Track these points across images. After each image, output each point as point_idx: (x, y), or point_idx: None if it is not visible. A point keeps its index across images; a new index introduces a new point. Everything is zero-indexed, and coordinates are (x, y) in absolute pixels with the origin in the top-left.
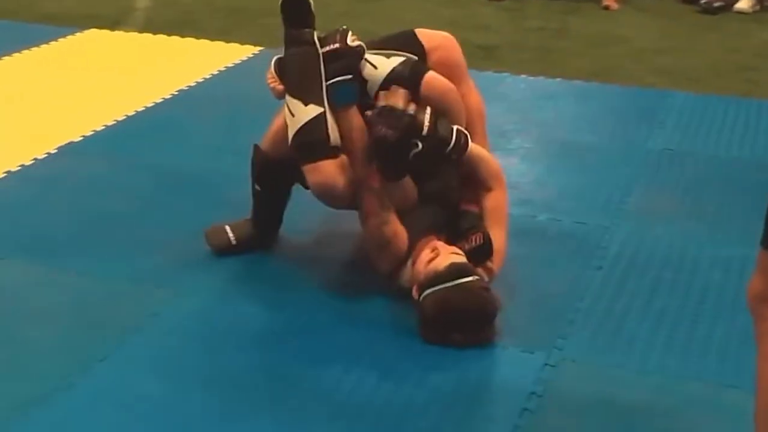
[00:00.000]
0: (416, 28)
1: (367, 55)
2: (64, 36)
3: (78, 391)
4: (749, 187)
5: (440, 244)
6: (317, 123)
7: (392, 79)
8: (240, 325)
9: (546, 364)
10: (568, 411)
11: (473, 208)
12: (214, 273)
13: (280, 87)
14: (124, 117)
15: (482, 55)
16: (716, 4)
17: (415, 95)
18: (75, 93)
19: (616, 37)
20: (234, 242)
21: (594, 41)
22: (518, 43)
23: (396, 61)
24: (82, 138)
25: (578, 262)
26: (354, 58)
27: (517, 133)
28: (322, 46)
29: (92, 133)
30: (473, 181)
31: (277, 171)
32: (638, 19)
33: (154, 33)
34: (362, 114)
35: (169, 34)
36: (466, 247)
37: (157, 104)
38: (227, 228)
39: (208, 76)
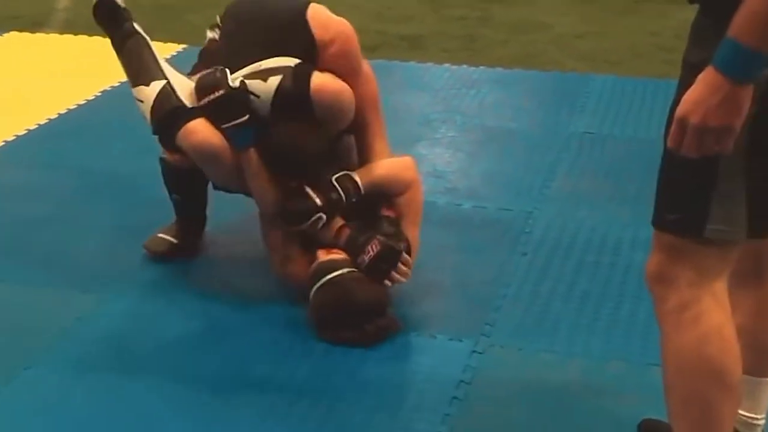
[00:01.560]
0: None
1: (248, 86)
2: None
3: (3, 398)
4: None
5: (324, 253)
6: (166, 94)
7: (279, 100)
8: (165, 329)
9: (474, 352)
10: (498, 397)
11: (391, 213)
12: (139, 276)
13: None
14: (47, 120)
15: (406, 45)
16: None
17: (307, 105)
18: None
19: (538, 23)
20: (176, 241)
21: (516, 28)
22: (441, 33)
23: (275, 81)
24: (3, 143)
25: (503, 248)
26: (241, 98)
27: (442, 123)
28: (203, 93)
29: (14, 137)
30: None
31: (188, 177)
32: (559, 5)
33: (76, 34)
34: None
35: (90, 35)
36: (365, 259)
37: (80, 106)
38: (161, 235)
39: None
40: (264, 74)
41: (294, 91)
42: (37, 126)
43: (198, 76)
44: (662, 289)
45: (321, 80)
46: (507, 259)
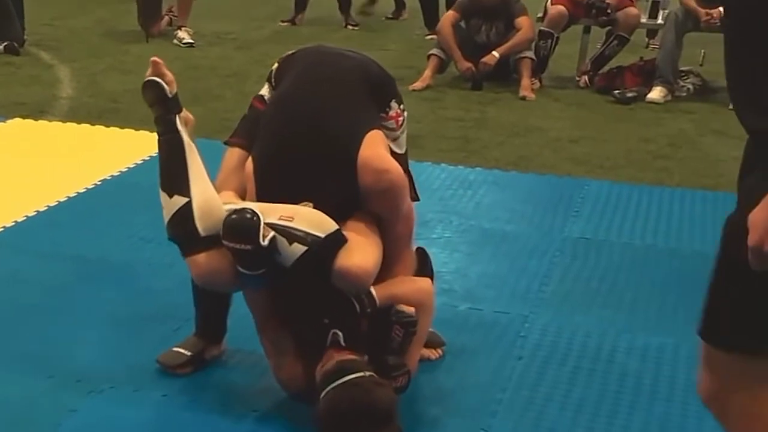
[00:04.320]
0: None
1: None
2: None
3: None
4: (664, 275)
5: (336, 352)
6: (183, 215)
7: (300, 267)
8: (159, 420)
9: None
10: None
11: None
12: (132, 366)
13: None
14: (46, 207)
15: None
16: (629, 95)
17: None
18: None
19: (533, 126)
20: (189, 354)
21: (512, 131)
22: (438, 133)
23: (299, 250)
24: (2, 229)
25: (499, 352)
26: (265, 258)
27: (438, 222)
28: (230, 238)
29: (13, 223)
30: None
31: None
32: (554, 110)
33: (78, 122)
34: None
35: (93, 123)
36: (394, 385)
37: (79, 194)
38: (177, 348)
39: (132, 165)
40: (292, 236)
41: (315, 268)
42: (35, 213)
43: (228, 207)
44: (719, 405)
45: (344, 265)
46: (502, 363)
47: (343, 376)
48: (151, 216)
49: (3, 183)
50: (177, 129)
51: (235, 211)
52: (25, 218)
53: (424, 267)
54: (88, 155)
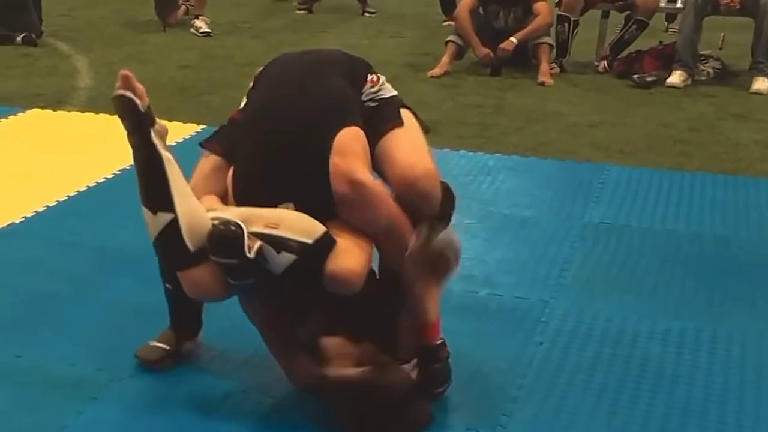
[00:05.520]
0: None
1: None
2: (6, 116)
3: None
4: (684, 260)
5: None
6: (170, 232)
7: (289, 275)
8: (178, 412)
9: None
10: None
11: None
12: None
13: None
14: (66, 197)
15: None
16: (648, 79)
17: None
18: (17, 173)
19: (552, 112)
20: (167, 348)
21: (530, 116)
22: (457, 119)
23: (288, 259)
24: (23, 219)
25: (520, 337)
26: (252, 268)
27: (458, 209)
28: (215, 253)
29: (33, 213)
30: None
31: None
32: (573, 95)
33: (97, 112)
34: None
35: (111, 113)
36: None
37: (99, 184)
38: (155, 342)
39: None
40: (280, 245)
41: (305, 274)
42: (56, 202)
43: (212, 215)
44: None
45: (334, 269)
46: (523, 348)
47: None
48: None
49: (23, 173)
50: (153, 143)
51: (218, 224)
52: (45, 208)
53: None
54: (107, 145)
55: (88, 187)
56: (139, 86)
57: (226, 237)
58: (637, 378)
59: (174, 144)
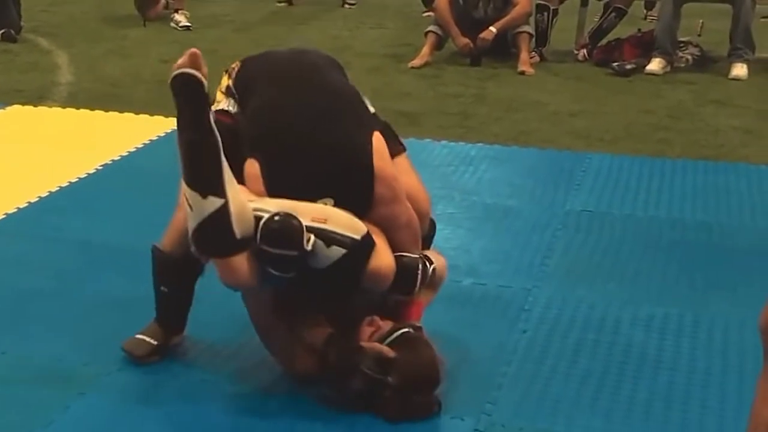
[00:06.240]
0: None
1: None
2: None
3: None
4: (666, 246)
5: (376, 318)
6: (220, 217)
7: (334, 270)
8: (167, 406)
9: (476, 430)
10: None
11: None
12: None
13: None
14: (48, 193)
15: (405, 121)
16: (628, 67)
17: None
18: None
19: (532, 101)
20: (155, 343)
21: (511, 106)
22: (438, 109)
23: (338, 253)
24: (5, 215)
25: (503, 325)
26: (303, 261)
27: (440, 199)
28: (273, 244)
29: (15, 210)
30: None
31: (183, 268)
32: (553, 83)
33: (78, 108)
34: None
35: (92, 109)
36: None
37: (81, 179)
38: (142, 336)
39: (133, 150)
40: (330, 239)
41: (350, 271)
42: (38, 198)
43: (254, 206)
44: None
45: (378, 266)
46: (507, 336)
47: (399, 330)
48: (153, 200)
49: (4, 170)
50: (212, 126)
51: (275, 215)
52: (27, 204)
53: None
54: (89, 141)
55: (70, 182)
56: (205, 67)
57: (288, 229)
58: (621, 364)
59: (156, 138)
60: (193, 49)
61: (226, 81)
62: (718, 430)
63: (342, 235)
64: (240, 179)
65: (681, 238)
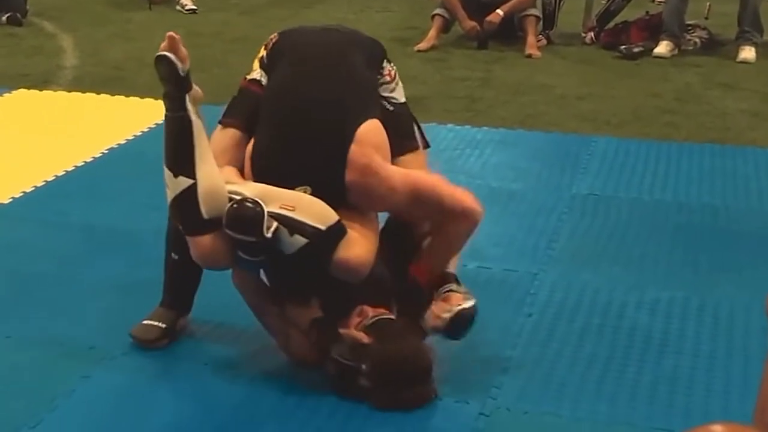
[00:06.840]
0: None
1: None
2: None
3: None
4: (672, 230)
5: (365, 307)
6: (187, 197)
7: (298, 257)
8: (173, 387)
9: (481, 414)
10: None
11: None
12: None
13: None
14: (53, 177)
15: (411, 105)
16: (635, 50)
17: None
18: (3, 154)
19: (539, 84)
20: (164, 326)
21: (518, 89)
22: (445, 93)
23: (300, 242)
24: (10, 199)
25: (509, 309)
26: (266, 246)
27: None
28: (233, 229)
29: (21, 194)
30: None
31: None
32: (560, 67)
33: (83, 91)
34: None
35: (98, 92)
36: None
37: (86, 163)
38: (149, 321)
39: (138, 134)
40: (293, 227)
41: (314, 259)
42: (44, 183)
43: (230, 188)
44: None
45: (343, 257)
46: (512, 320)
47: (389, 329)
48: (157, 184)
49: (9, 154)
50: (186, 108)
51: (238, 201)
52: (32, 188)
53: None
54: (94, 124)
55: (75, 167)
56: (183, 50)
57: (246, 215)
58: (626, 348)
59: (160, 122)
60: (171, 33)
61: (262, 51)
62: (723, 412)
63: (305, 224)
64: None
65: (687, 221)
